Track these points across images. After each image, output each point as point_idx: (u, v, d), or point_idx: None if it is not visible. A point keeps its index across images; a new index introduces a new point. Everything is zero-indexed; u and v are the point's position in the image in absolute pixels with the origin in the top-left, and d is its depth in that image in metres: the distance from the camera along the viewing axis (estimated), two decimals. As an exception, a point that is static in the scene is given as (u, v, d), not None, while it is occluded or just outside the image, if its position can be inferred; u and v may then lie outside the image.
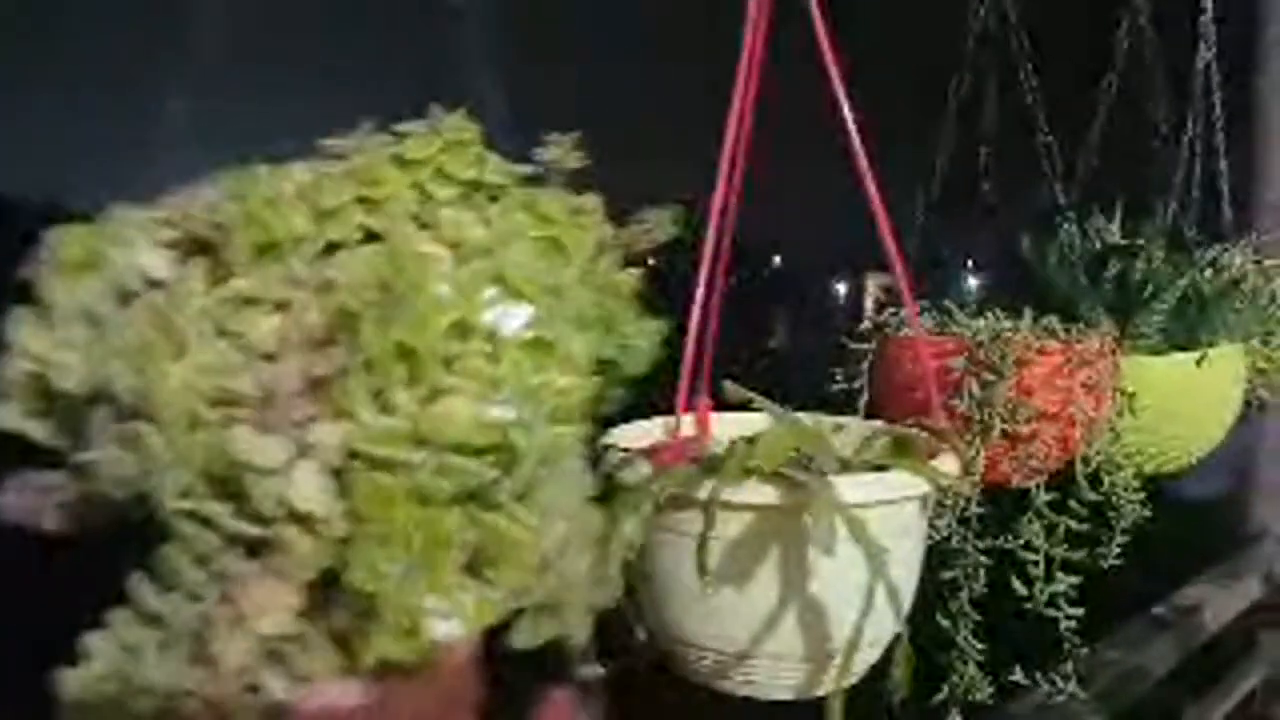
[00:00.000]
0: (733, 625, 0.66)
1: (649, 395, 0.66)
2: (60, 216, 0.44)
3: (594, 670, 0.62)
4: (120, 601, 0.40)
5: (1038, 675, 0.96)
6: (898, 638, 0.65)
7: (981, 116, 1.66)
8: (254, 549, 0.39)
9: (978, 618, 0.96)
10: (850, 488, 0.63)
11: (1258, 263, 1.34)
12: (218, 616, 0.39)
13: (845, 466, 0.72)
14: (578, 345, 0.44)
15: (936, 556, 0.94)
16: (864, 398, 0.96)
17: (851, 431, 0.79)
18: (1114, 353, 0.93)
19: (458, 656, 0.43)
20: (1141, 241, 1.19)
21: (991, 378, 0.82)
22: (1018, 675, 0.94)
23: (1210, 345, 1.14)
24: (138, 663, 0.39)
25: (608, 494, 0.67)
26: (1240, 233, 1.48)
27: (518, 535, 0.41)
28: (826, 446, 0.73)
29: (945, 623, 0.97)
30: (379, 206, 0.43)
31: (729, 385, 0.74)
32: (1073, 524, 0.85)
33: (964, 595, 0.96)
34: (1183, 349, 1.13)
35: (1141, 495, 0.92)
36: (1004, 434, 0.82)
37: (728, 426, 0.78)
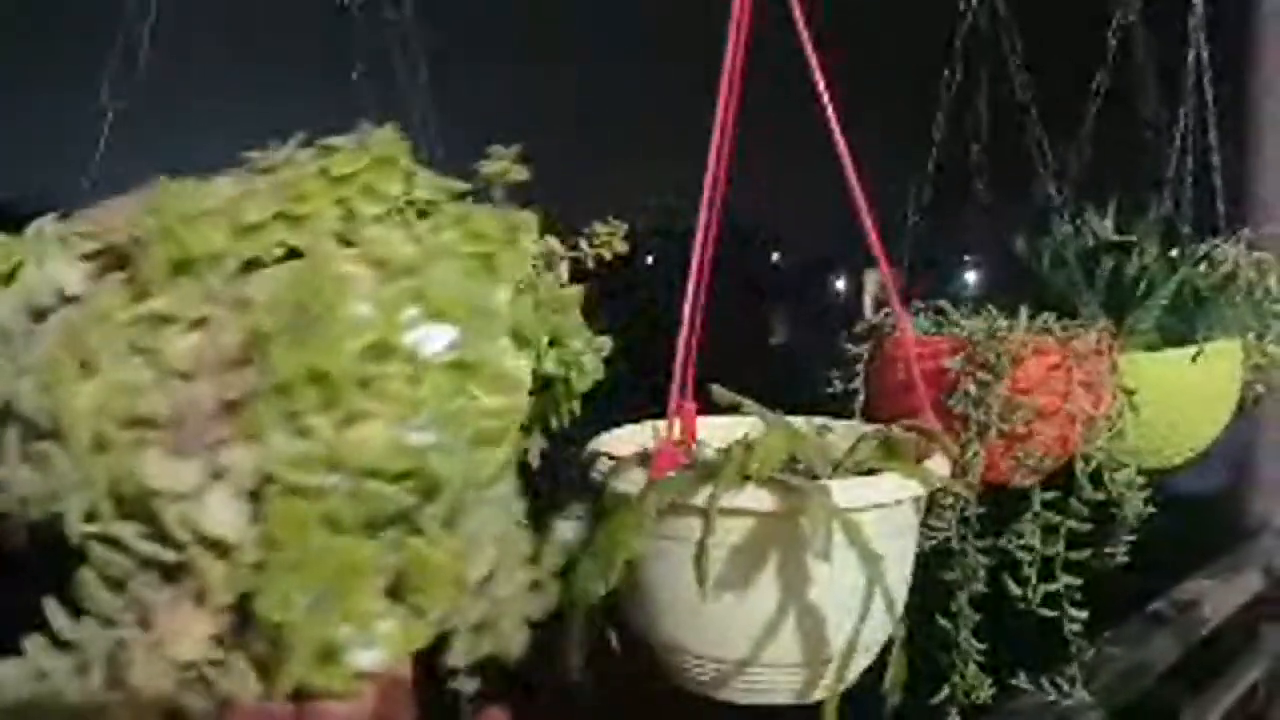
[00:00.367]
0: (732, 633, 0.66)
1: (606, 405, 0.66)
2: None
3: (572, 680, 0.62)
4: (38, 627, 0.39)
5: (1041, 679, 0.95)
6: (893, 640, 0.65)
7: (974, 114, 1.66)
8: (170, 573, 0.39)
9: (978, 618, 0.96)
10: (845, 491, 0.63)
11: (1252, 257, 1.34)
12: (134, 642, 0.38)
13: (835, 470, 0.72)
14: (510, 364, 0.43)
15: (937, 557, 0.94)
16: (860, 399, 0.96)
17: (839, 434, 0.79)
18: (1111, 349, 0.93)
19: (388, 678, 0.42)
20: (1135, 238, 1.19)
21: (987, 377, 0.82)
22: (1021, 679, 0.94)
23: (1206, 341, 1.14)
24: (52, 690, 0.38)
25: (603, 503, 0.66)
26: (1234, 227, 1.48)
27: (440, 561, 0.40)
28: (820, 450, 0.73)
29: (946, 623, 0.97)
30: (301, 223, 0.42)
31: (716, 388, 0.74)
32: (1073, 523, 0.85)
33: (964, 596, 0.96)
34: (1178, 345, 1.13)
35: (1145, 493, 0.91)
36: (1001, 433, 0.82)
37: (714, 430, 0.78)
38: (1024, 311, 0.91)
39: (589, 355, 0.57)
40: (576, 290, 0.56)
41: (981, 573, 0.94)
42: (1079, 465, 0.86)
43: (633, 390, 0.92)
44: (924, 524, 0.80)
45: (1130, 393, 0.91)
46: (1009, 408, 0.81)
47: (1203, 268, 1.27)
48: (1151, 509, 0.92)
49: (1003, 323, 0.89)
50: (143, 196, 0.42)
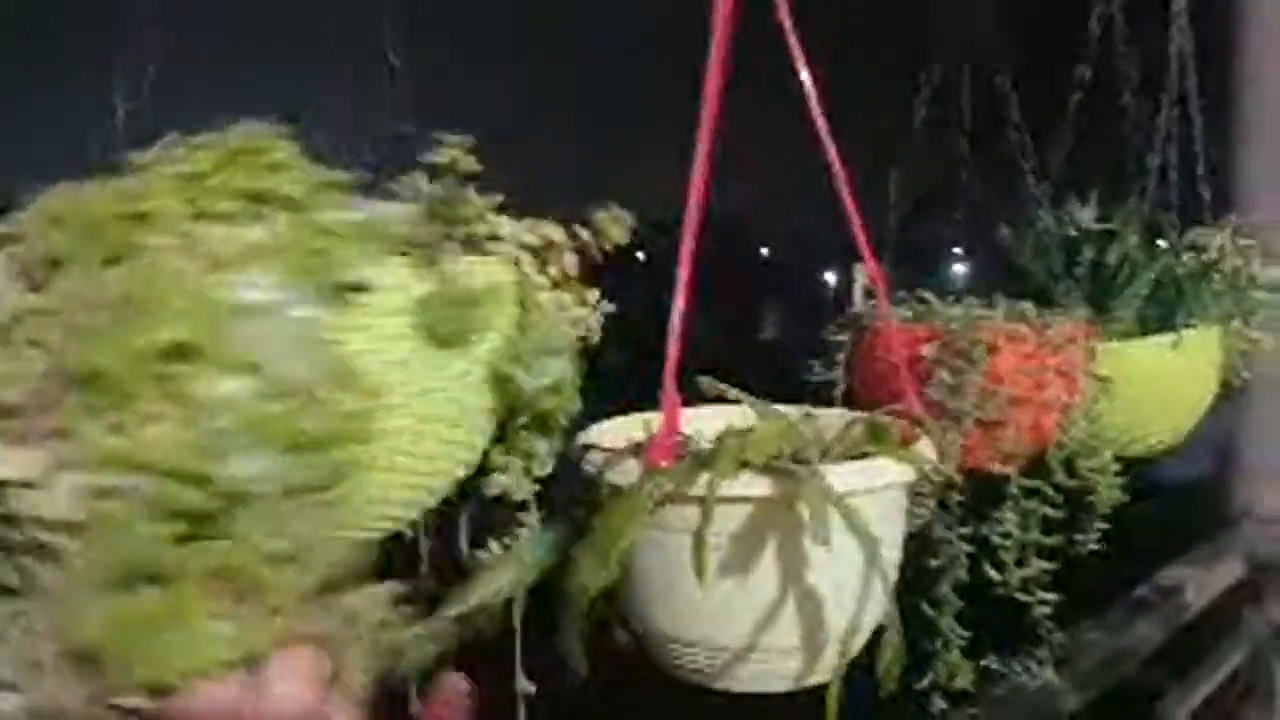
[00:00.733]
0: (730, 621, 0.66)
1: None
2: None
3: (526, 687, 0.63)
4: None
5: (1013, 660, 0.96)
6: (884, 626, 0.66)
7: (957, 107, 1.67)
8: (44, 556, 0.40)
9: (960, 603, 0.97)
10: (841, 476, 0.63)
11: (1236, 244, 1.35)
12: (34, 620, 0.39)
13: (824, 456, 0.72)
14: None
15: (920, 543, 0.95)
16: (840, 387, 0.96)
17: (824, 421, 0.79)
18: (1088, 338, 0.94)
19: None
20: (1116, 227, 1.20)
21: (962, 365, 0.82)
22: (992, 661, 0.95)
23: (1186, 328, 1.15)
24: None
25: (597, 496, 0.67)
26: (1219, 216, 1.49)
27: (253, 568, 0.40)
28: (811, 437, 0.73)
29: (929, 609, 0.98)
30: (146, 221, 0.42)
31: (703, 379, 0.74)
32: (1048, 509, 0.85)
33: (946, 582, 0.96)
34: (1159, 332, 1.14)
35: (1120, 480, 0.92)
36: (977, 420, 0.83)
37: (702, 421, 0.78)
38: (1001, 300, 0.92)
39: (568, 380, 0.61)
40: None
41: (963, 559, 0.95)
42: (1053, 452, 0.87)
43: (628, 383, 0.92)
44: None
45: (1104, 380, 0.92)
46: (984, 395, 0.82)
47: (1186, 256, 1.28)
48: (1125, 496, 0.93)
49: (980, 311, 0.90)
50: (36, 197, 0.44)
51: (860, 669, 0.68)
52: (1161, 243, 1.27)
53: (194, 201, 0.43)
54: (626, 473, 0.65)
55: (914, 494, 0.85)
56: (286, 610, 0.41)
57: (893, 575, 0.70)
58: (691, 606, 0.66)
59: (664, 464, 0.65)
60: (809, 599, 0.65)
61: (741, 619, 0.65)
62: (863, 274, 1.00)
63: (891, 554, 0.70)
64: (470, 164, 0.55)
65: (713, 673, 0.69)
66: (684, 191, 0.76)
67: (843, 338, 0.98)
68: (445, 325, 0.49)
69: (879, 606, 0.64)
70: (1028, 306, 0.92)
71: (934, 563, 0.95)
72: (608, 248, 0.67)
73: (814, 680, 0.69)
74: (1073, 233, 1.23)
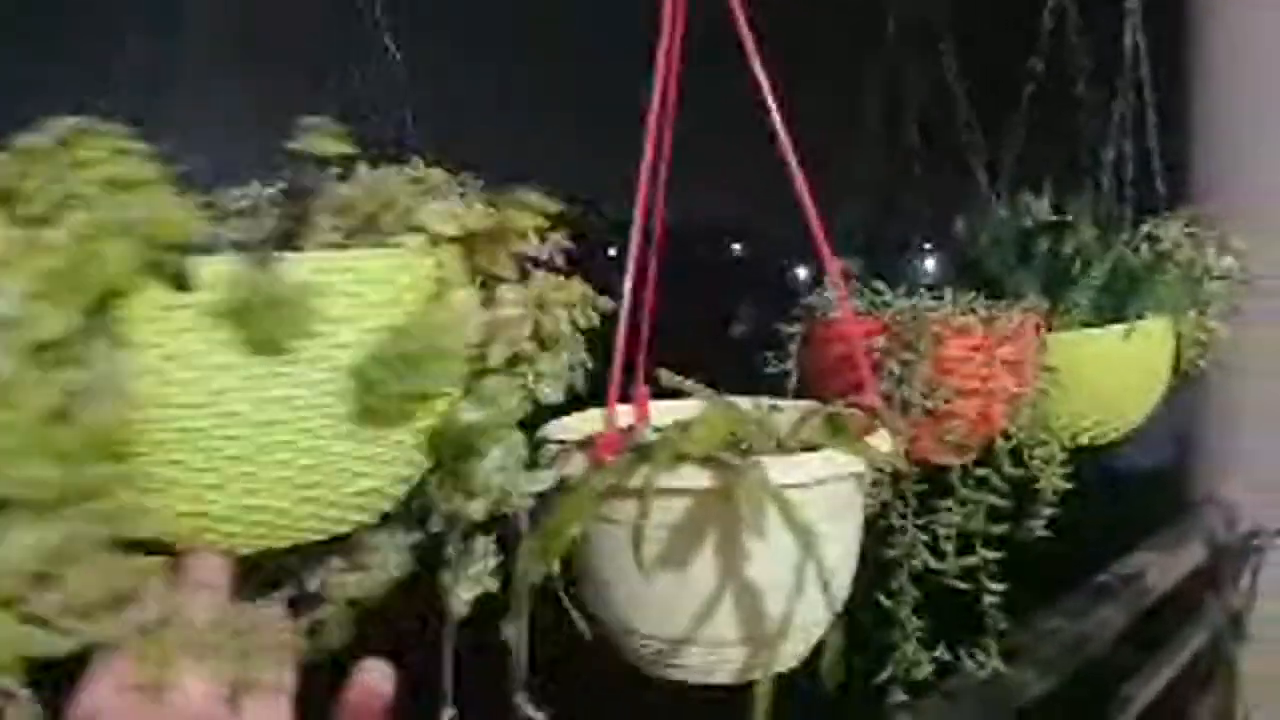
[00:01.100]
0: (672, 612, 0.66)
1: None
2: None
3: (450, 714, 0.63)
4: None
5: (962, 652, 0.97)
6: (840, 620, 0.66)
7: (912, 102, 1.68)
8: None
9: (917, 595, 0.97)
10: (780, 468, 0.63)
11: (1191, 235, 1.37)
12: None
13: (780, 448, 0.72)
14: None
15: (877, 534, 0.95)
16: (793, 379, 0.96)
17: (787, 413, 0.79)
18: (1038, 329, 0.95)
19: None
20: (1070, 218, 1.21)
21: (910, 356, 0.83)
22: (941, 651, 0.95)
23: (1139, 318, 1.16)
24: None
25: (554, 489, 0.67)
26: (1173, 207, 1.51)
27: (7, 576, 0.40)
28: (764, 429, 0.73)
29: (886, 601, 0.98)
30: None
31: (662, 373, 0.74)
32: (993, 499, 0.86)
33: (904, 573, 0.97)
34: (1114, 323, 1.15)
35: (1064, 469, 0.93)
36: (925, 411, 0.83)
37: (668, 414, 0.78)
38: (949, 292, 0.93)
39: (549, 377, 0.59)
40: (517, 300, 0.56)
41: (920, 550, 0.95)
42: (999, 442, 0.87)
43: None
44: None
45: (1052, 370, 0.92)
46: (931, 386, 0.82)
47: (1144, 247, 1.29)
48: (1069, 485, 0.94)
49: (929, 303, 0.90)
50: None
51: (815, 664, 0.68)
52: (1117, 233, 1.28)
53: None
54: (575, 466, 0.66)
55: (872, 485, 0.85)
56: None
57: (842, 570, 0.70)
58: (637, 597, 0.67)
59: (609, 458, 0.65)
60: (747, 593, 0.65)
61: (682, 611, 0.66)
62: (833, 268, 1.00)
63: (840, 549, 0.70)
64: (338, 148, 0.51)
65: (660, 663, 0.70)
66: (650, 189, 0.76)
67: (794, 330, 0.99)
68: (260, 330, 0.46)
69: (822, 603, 0.64)
70: (977, 298, 0.93)
71: (890, 554, 0.96)
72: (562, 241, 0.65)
73: (760, 675, 0.68)
74: (1028, 224, 1.24)
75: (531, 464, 0.64)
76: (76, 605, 0.42)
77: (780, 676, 0.70)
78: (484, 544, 0.63)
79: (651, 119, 0.71)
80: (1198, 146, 2.09)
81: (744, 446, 0.71)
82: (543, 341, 0.59)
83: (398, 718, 0.52)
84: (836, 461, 0.67)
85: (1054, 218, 1.23)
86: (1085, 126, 1.66)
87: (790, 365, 0.97)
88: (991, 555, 0.85)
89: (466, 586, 0.61)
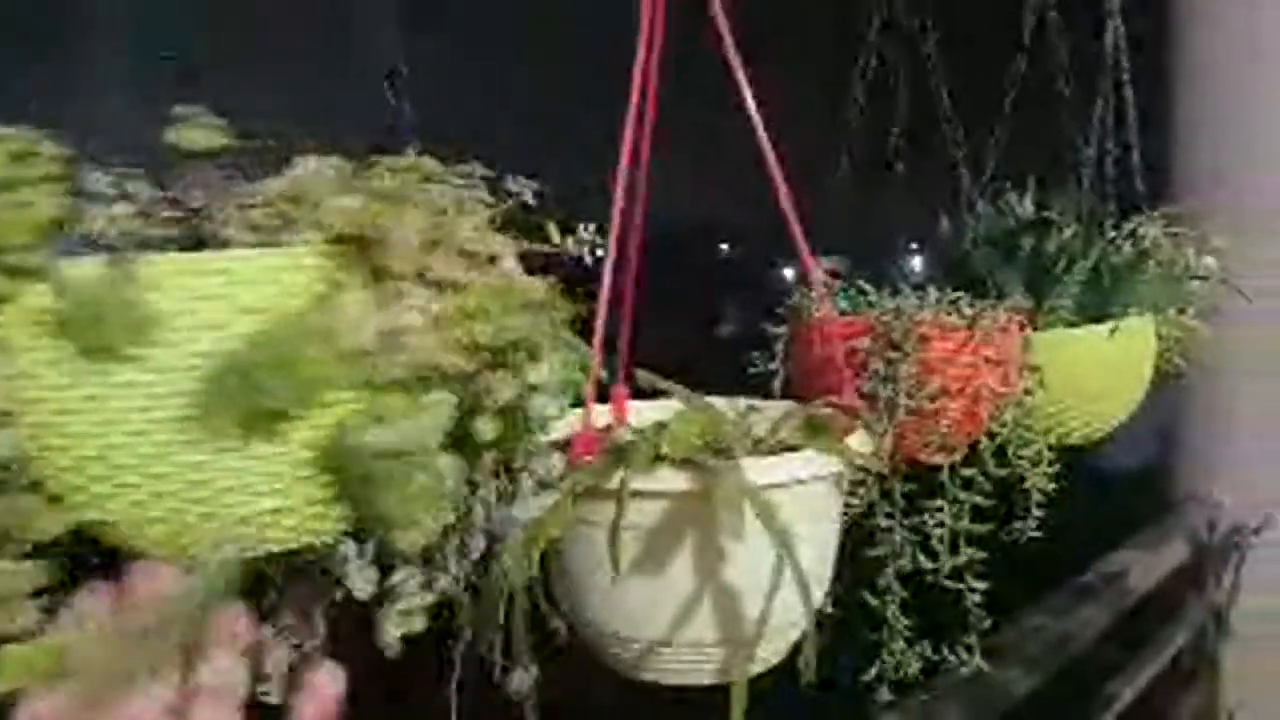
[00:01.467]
0: (650, 613, 0.66)
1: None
2: None
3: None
4: None
5: (945, 650, 0.97)
6: (821, 618, 0.66)
7: (896, 102, 1.68)
8: None
9: (904, 594, 0.97)
10: (757, 469, 0.63)
11: (1171, 234, 1.37)
12: None
13: (759, 448, 0.72)
14: None
15: (863, 535, 0.95)
16: (778, 379, 0.96)
17: (766, 414, 0.79)
18: (1023, 328, 0.95)
19: None
20: (1053, 217, 1.22)
21: (895, 355, 0.83)
22: (925, 649, 0.95)
23: (1122, 316, 1.16)
24: None
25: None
26: (1155, 206, 1.51)
27: None
28: (742, 430, 0.73)
29: (873, 600, 0.98)
30: None
31: (640, 373, 0.73)
32: (980, 499, 0.86)
33: (890, 572, 0.97)
34: (1096, 321, 1.15)
35: (1050, 469, 0.93)
36: (910, 411, 0.83)
37: (647, 414, 0.78)
38: (933, 291, 0.93)
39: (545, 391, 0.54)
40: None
41: (907, 549, 0.95)
42: (984, 442, 0.87)
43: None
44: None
45: (1036, 369, 0.92)
46: (916, 386, 0.82)
47: (1127, 245, 1.29)
48: (1055, 484, 0.94)
49: (914, 302, 0.90)
50: None
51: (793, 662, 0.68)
52: (1102, 232, 1.28)
53: None
54: (550, 467, 0.64)
55: (849, 486, 0.85)
56: None
57: (819, 569, 0.70)
58: (614, 599, 0.66)
59: (587, 459, 0.65)
60: (725, 593, 0.65)
61: (660, 612, 0.65)
62: (821, 268, 1.00)
63: (817, 548, 0.69)
64: (210, 141, 0.48)
65: (639, 665, 0.69)
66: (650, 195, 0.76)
67: (780, 330, 0.98)
68: (106, 336, 0.43)
69: (800, 603, 0.64)
70: (962, 297, 0.93)
71: (875, 553, 0.95)
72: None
73: (739, 675, 0.68)
74: (1011, 223, 1.24)
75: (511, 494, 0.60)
76: None
77: (768, 675, 0.70)
78: (413, 580, 0.56)
79: (629, 129, 0.71)
80: (1178, 146, 2.10)
81: (722, 447, 0.70)
82: (531, 352, 0.53)
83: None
84: (815, 462, 0.67)
85: (1037, 216, 1.24)
86: (1067, 126, 1.66)
87: (776, 365, 0.97)
88: (979, 555, 0.85)
89: (395, 623, 0.56)
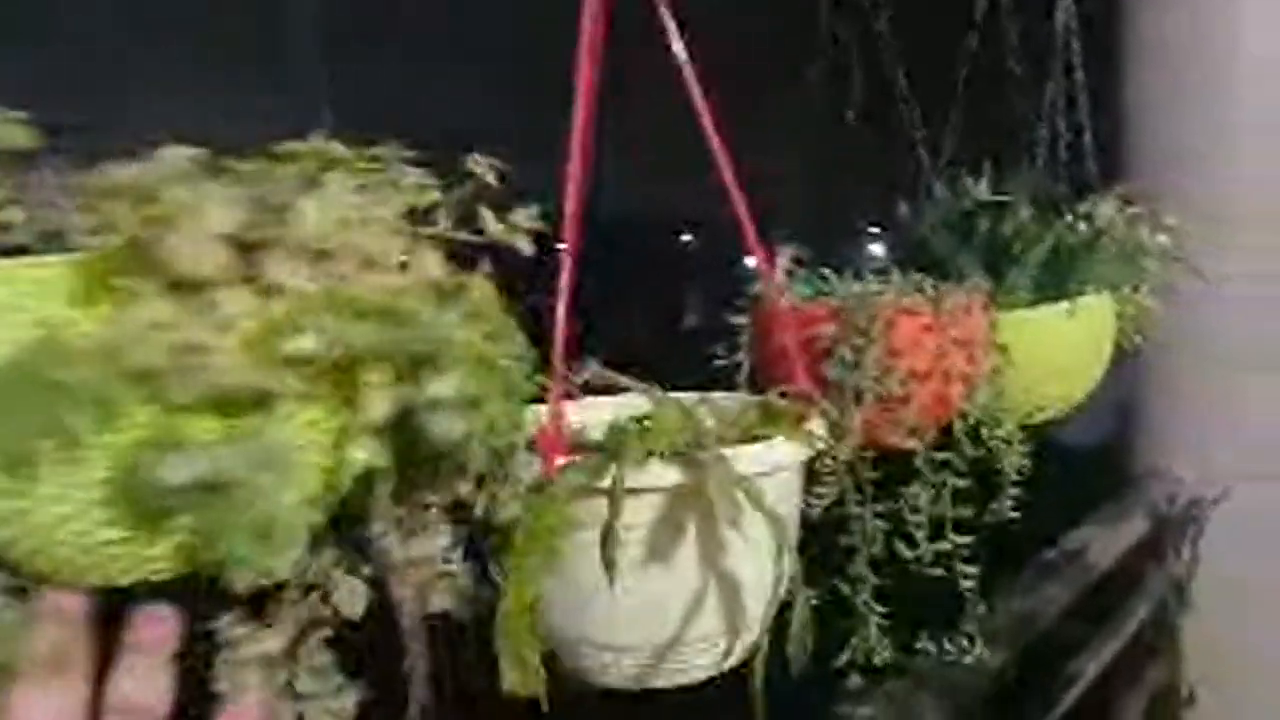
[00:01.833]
0: (659, 614, 0.64)
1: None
2: None
3: None
4: None
5: (942, 639, 0.97)
6: (790, 602, 0.65)
7: (849, 84, 1.68)
8: None
9: (876, 581, 0.97)
10: (744, 460, 0.63)
11: (1125, 213, 1.39)
12: None
13: (721, 440, 0.71)
14: None
15: (833, 522, 0.94)
16: (744, 370, 0.95)
17: (721, 405, 0.78)
18: (986, 308, 0.94)
19: None
20: (1009, 198, 1.22)
21: (860, 341, 0.82)
22: (923, 642, 0.95)
23: (1079, 296, 1.17)
24: None
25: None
26: (1109, 184, 1.53)
27: None
28: (709, 423, 0.72)
29: (845, 587, 0.97)
30: None
31: (595, 368, 0.72)
32: (958, 482, 0.86)
33: (861, 559, 0.96)
34: (1054, 301, 1.16)
35: (1024, 447, 0.93)
36: (879, 396, 0.82)
37: (595, 411, 0.75)
38: (896, 274, 0.92)
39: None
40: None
41: (879, 536, 0.94)
42: (957, 424, 0.87)
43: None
44: (809, 489, 0.80)
45: (1003, 348, 0.92)
46: (884, 370, 0.82)
47: (1083, 225, 1.30)
48: (1028, 462, 0.94)
49: (876, 286, 0.89)
50: None
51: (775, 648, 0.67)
52: (1056, 213, 1.29)
53: None
54: (531, 470, 0.61)
55: (817, 473, 0.84)
56: None
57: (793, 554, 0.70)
58: (610, 607, 0.63)
59: (559, 458, 0.63)
60: (726, 584, 0.64)
61: (662, 612, 0.64)
62: (783, 256, 0.99)
63: (794, 530, 0.70)
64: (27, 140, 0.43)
65: (640, 674, 0.67)
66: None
67: (742, 320, 0.97)
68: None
69: (788, 583, 0.63)
70: (923, 279, 0.92)
71: (847, 540, 0.95)
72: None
73: (731, 663, 0.68)
74: (968, 205, 1.24)
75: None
76: None
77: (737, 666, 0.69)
78: (239, 628, 0.47)
79: (576, 133, 0.69)
80: (1130, 123, 2.12)
81: (694, 441, 0.69)
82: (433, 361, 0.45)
83: None
84: (790, 450, 0.67)
85: (993, 198, 1.24)
86: (1020, 106, 1.68)
87: (741, 356, 0.95)
88: (961, 540, 0.85)
89: (315, 713, 0.49)
